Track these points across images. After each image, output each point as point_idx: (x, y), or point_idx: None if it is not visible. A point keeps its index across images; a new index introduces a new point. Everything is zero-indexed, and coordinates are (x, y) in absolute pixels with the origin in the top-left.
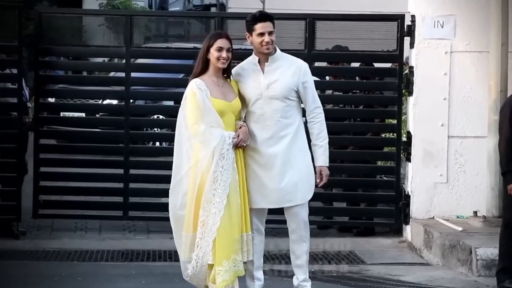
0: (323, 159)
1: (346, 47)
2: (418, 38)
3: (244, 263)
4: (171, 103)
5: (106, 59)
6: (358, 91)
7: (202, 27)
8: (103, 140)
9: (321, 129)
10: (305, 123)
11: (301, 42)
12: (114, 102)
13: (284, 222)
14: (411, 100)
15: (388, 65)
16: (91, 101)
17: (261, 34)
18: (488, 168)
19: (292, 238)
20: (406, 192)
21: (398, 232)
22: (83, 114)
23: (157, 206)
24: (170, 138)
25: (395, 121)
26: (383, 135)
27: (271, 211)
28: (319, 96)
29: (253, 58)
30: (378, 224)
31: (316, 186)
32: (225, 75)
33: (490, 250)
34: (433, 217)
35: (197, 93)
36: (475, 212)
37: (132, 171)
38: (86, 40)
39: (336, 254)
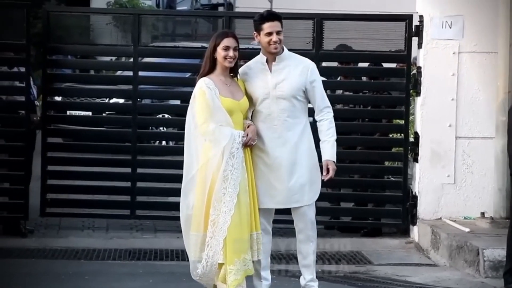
0: (330, 153)
1: (350, 46)
2: (426, 38)
3: (253, 262)
4: (178, 102)
5: (113, 58)
6: (366, 91)
7: (210, 26)
8: (110, 138)
9: (330, 126)
10: (312, 123)
11: (309, 42)
12: (121, 101)
13: (291, 222)
14: (418, 100)
15: (394, 65)
16: (99, 100)
17: (269, 34)
18: (495, 169)
19: (299, 238)
20: (414, 193)
21: (405, 232)
22: (90, 113)
23: (164, 205)
24: (177, 137)
25: (402, 122)
26: (391, 136)
27: (278, 211)
28: (328, 96)
29: (260, 58)
30: (385, 224)
31: (322, 180)
32: (232, 74)
33: (497, 251)
34: (440, 218)
35: (206, 92)
36: (483, 213)
37: (139, 170)
38: (93, 39)
39: (343, 255)
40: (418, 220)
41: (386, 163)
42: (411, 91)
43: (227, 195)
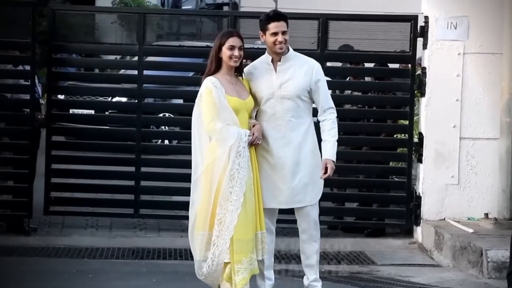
0: (330, 152)
1: (352, 47)
2: (431, 39)
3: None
4: (181, 101)
5: (118, 57)
6: (370, 92)
7: (214, 25)
8: (114, 137)
9: (332, 126)
10: (315, 123)
11: (314, 42)
12: (124, 99)
13: (295, 221)
14: (423, 101)
15: (397, 65)
16: (103, 99)
17: (275, 34)
18: (499, 170)
19: (302, 238)
20: (417, 193)
21: (409, 233)
22: (93, 111)
23: (168, 204)
24: (181, 136)
25: (407, 122)
26: (395, 136)
27: (281, 211)
28: (332, 96)
29: (266, 57)
30: (389, 225)
31: (320, 178)
32: (237, 74)
33: (501, 252)
34: (444, 219)
35: (213, 91)
36: (486, 214)
37: (143, 169)
38: (98, 38)
39: (346, 255)
40: (421, 220)
41: (390, 164)
42: (415, 91)
43: (233, 194)
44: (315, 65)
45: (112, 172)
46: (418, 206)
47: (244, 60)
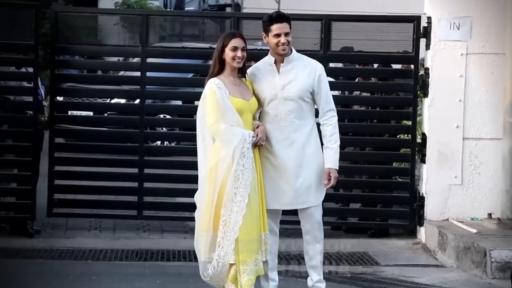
0: (332, 161)
1: (352, 47)
2: (434, 39)
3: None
4: (179, 102)
5: (120, 59)
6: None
7: (217, 27)
8: (117, 139)
9: (334, 131)
10: (318, 124)
11: (317, 43)
12: (122, 101)
13: (298, 222)
14: (426, 101)
15: (399, 66)
16: (101, 100)
17: (278, 35)
18: (503, 170)
19: (306, 239)
20: (421, 194)
21: (412, 233)
22: (91, 113)
23: (171, 206)
24: (184, 138)
25: (410, 123)
26: (398, 137)
27: (285, 212)
28: (335, 97)
29: (269, 59)
30: (392, 225)
31: (324, 187)
32: (240, 75)
33: (504, 253)
34: (448, 219)
35: (216, 92)
36: (490, 214)
37: (146, 171)
38: (101, 39)
39: (350, 255)
40: (425, 221)
41: (394, 164)
42: (418, 92)
43: (238, 195)
44: (318, 67)
45: (115, 173)
46: (422, 206)
47: (248, 62)
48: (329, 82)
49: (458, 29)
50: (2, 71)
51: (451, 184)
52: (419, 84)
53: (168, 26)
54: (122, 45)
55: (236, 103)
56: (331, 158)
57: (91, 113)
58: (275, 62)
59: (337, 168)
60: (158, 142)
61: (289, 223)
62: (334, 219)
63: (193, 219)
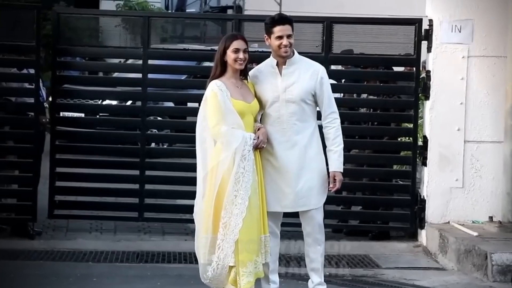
0: (337, 164)
1: (352, 50)
2: (435, 42)
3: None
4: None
5: (122, 60)
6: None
7: (219, 29)
8: (119, 141)
9: (337, 134)
10: (320, 126)
11: (318, 45)
12: (114, 102)
13: (299, 225)
14: (427, 104)
15: (402, 69)
16: (93, 102)
17: (280, 37)
18: (504, 173)
19: (307, 241)
20: (422, 197)
21: (413, 236)
22: (91, 115)
23: (172, 208)
24: (185, 140)
25: (411, 125)
26: (399, 139)
27: (286, 214)
28: (337, 99)
29: (271, 61)
30: (393, 228)
31: (329, 191)
32: (242, 77)
33: (505, 256)
34: (449, 222)
35: (218, 94)
36: (491, 217)
37: (147, 172)
38: (102, 41)
39: (351, 258)
40: (426, 223)
41: (395, 167)
42: (420, 95)
43: (238, 197)
44: (320, 69)
45: (116, 175)
46: (423, 209)
47: (249, 64)
48: (331, 84)
49: (460, 31)
50: (3, 73)
51: (452, 187)
52: (420, 87)
53: (169, 27)
54: (123, 46)
55: (238, 105)
56: (336, 161)
57: (82, 115)
58: (277, 64)
59: (342, 171)
60: (153, 144)
61: (290, 225)
62: (335, 221)
63: (194, 221)
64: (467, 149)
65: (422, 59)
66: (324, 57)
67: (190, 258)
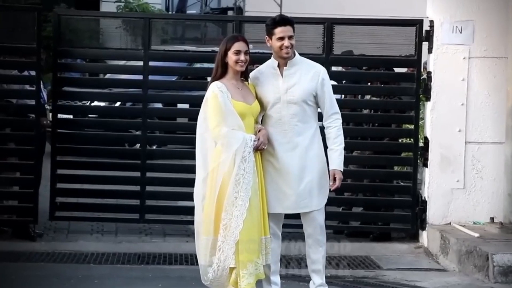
0: (337, 162)
1: (351, 51)
2: (436, 43)
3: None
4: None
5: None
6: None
7: (219, 30)
8: (120, 142)
9: (338, 134)
10: (321, 127)
11: (319, 47)
12: (102, 104)
13: (301, 226)
14: (428, 105)
15: (404, 70)
16: (82, 103)
17: (281, 38)
18: (505, 174)
19: (308, 242)
20: (423, 198)
21: (414, 237)
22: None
23: (173, 209)
24: (186, 141)
25: (412, 126)
26: (400, 140)
27: (287, 216)
28: (339, 100)
29: (272, 62)
30: (394, 229)
31: (329, 190)
32: (243, 78)
33: (507, 257)
34: (450, 223)
35: (218, 95)
36: (492, 218)
37: (149, 174)
38: (103, 43)
39: (352, 259)
40: (427, 225)
41: (396, 168)
42: (421, 96)
43: (239, 199)
44: (321, 70)
45: (117, 177)
46: (424, 210)
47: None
48: (332, 85)
49: (461, 32)
50: (4, 75)
51: (453, 188)
52: (421, 88)
53: (170, 29)
54: (124, 48)
55: (238, 106)
56: (336, 160)
57: (70, 116)
58: (278, 66)
59: (342, 170)
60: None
61: (291, 226)
62: (336, 223)
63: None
64: (468, 150)
65: (423, 60)
66: (325, 58)
67: (191, 259)
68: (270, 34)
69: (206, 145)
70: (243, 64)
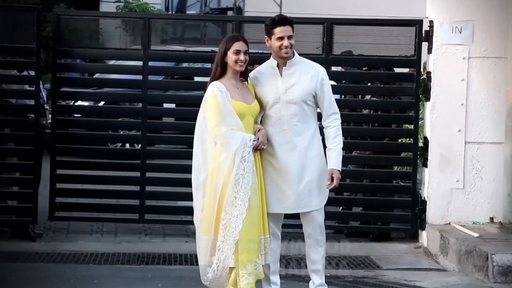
0: (335, 162)
1: (351, 51)
2: (436, 43)
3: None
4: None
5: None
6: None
7: (219, 30)
8: (119, 142)
9: (337, 134)
10: (321, 127)
11: (319, 47)
12: (85, 103)
13: (300, 226)
14: (428, 105)
15: (405, 70)
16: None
17: (280, 38)
18: (505, 174)
19: (308, 242)
20: (422, 198)
21: (414, 237)
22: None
23: (173, 210)
24: (186, 141)
25: (412, 127)
26: (400, 140)
27: (287, 216)
28: (338, 100)
29: (271, 62)
30: (394, 229)
31: (329, 189)
32: (242, 78)
33: (506, 257)
34: (449, 223)
35: (217, 95)
36: (492, 218)
37: (148, 174)
38: (102, 43)
39: (351, 259)
40: (427, 225)
41: (395, 168)
42: (420, 96)
43: (238, 199)
44: (321, 70)
45: (117, 177)
46: (423, 210)
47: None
48: (331, 85)
49: (460, 33)
50: (4, 75)
51: (453, 188)
52: (421, 88)
53: (169, 29)
54: (123, 48)
55: (238, 106)
56: (334, 159)
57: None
58: (277, 66)
59: (340, 170)
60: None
61: (290, 226)
62: (335, 223)
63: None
64: (467, 150)
65: (422, 60)
66: (325, 58)
67: (191, 259)
68: (269, 34)
69: (206, 145)
70: (242, 64)
